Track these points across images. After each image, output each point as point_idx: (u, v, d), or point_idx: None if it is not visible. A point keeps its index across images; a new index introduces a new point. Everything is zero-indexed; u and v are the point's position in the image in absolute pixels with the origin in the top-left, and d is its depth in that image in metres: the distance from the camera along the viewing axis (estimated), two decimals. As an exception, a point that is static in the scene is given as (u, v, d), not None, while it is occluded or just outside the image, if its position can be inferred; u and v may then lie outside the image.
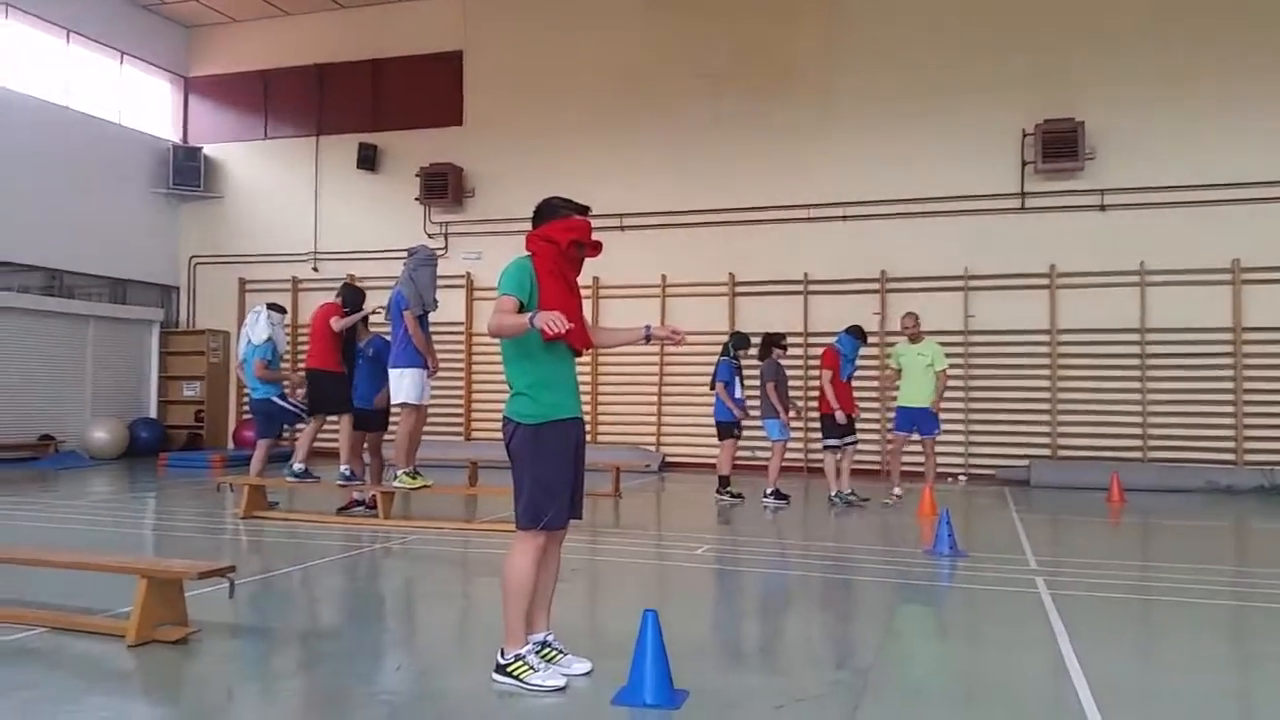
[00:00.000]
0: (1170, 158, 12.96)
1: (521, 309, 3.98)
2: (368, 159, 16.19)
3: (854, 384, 10.62)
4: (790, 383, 11.04)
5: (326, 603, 5.98)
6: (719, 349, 14.46)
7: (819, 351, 14.02)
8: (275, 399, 9.43)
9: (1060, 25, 13.46)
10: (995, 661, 4.77)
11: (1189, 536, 9.05)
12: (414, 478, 8.46)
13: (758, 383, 10.55)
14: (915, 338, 10.50)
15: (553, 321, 3.75)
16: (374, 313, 9.31)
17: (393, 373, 8.38)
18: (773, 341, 10.66)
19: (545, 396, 4.02)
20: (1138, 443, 12.97)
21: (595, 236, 4.23)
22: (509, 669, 3.99)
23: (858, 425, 10.64)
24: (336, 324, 8.95)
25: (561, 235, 4.07)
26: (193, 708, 3.92)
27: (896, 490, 10.60)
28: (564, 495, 4.07)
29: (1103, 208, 13.24)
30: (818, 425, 12.81)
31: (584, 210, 4.19)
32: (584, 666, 4.17)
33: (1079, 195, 13.34)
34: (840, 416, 10.12)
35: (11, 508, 9.63)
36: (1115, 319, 13.09)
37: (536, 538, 4.04)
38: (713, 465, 14.41)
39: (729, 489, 10.72)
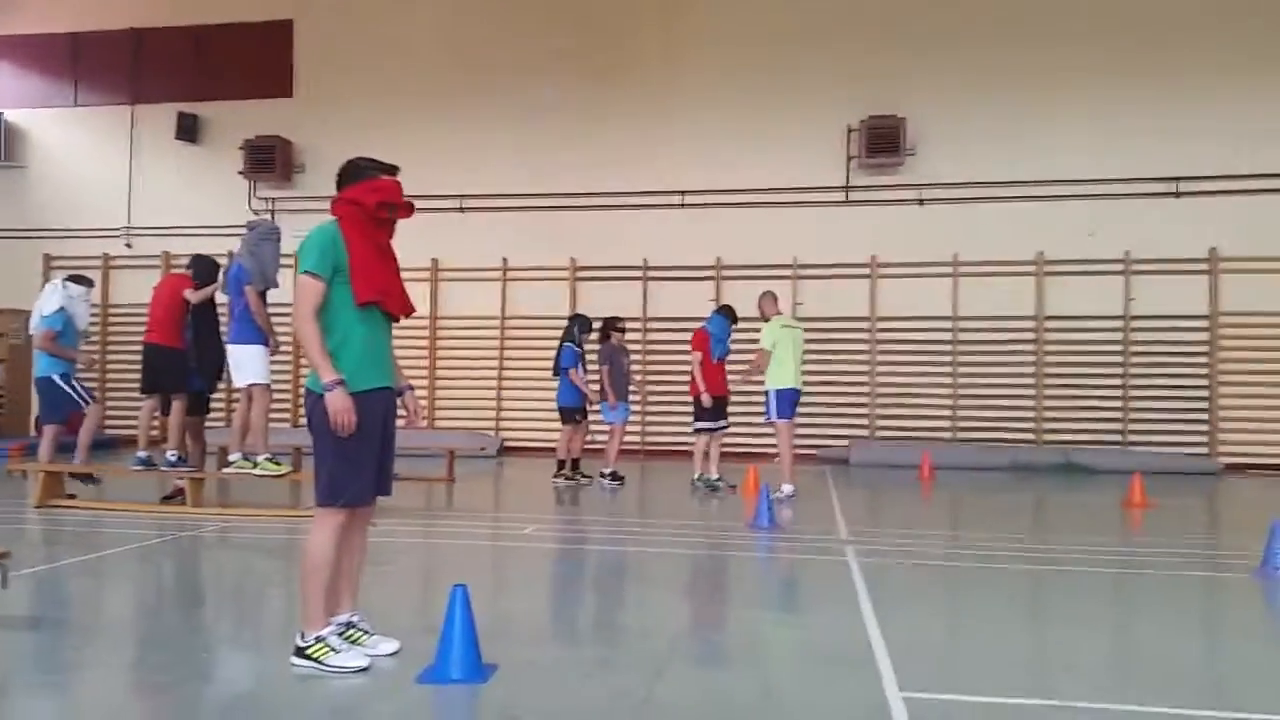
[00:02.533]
0: (983, 155, 13.78)
1: (331, 281, 3.85)
2: (188, 129, 15.33)
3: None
4: (633, 367, 11.16)
5: (122, 592, 5.64)
6: (560, 334, 14.61)
7: (658, 338, 14.34)
8: (56, 378, 8.59)
9: (886, 24, 14.07)
10: (799, 625, 4.98)
11: (991, 509, 9.68)
12: (277, 464, 8.02)
13: (596, 366, 10.63)
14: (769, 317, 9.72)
15: (340, 419, 3.73)
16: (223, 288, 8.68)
17: (234, 350, 7.89)
18: (611, 325, 10.75)
19: (354, 365, 3.87)
20: (948, 424, 13.76)
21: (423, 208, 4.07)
22: (308, 651, 3.85)
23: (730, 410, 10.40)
24: (194, 295, 8.40)
25: (368, 197, 3.93)
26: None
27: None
28: (369, 470, 3.94)
29: (921, 201, 13.95)
30: (657, 410, 13.07)
31: (392, 170, 4.05)
32: (391, 647, 4.08)
33: (900, 189, 14.01)
34: (706, 400, 9.93)
35: None
36: (930, 307, 13.83)
37: (337, 515, 3.90)
38: (552, 448, 14.47)
39: (579, 471, 10.70)
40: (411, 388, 4.30)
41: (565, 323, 14.38)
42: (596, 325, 11.01)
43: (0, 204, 16.12)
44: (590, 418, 11.04)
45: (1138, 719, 3.46)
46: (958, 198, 13.86)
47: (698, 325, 10.47)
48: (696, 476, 10.18)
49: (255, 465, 8.01)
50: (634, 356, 12.73)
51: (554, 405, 14.48)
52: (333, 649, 3.85)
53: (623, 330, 10.89)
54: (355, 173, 4.02)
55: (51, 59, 16.20)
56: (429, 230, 14.20)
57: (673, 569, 6.46)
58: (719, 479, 10.11)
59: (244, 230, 8.22)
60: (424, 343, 14.73)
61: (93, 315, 10.05)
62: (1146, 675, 4.20)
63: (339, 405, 3.74)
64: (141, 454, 8.55)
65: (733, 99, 14.35)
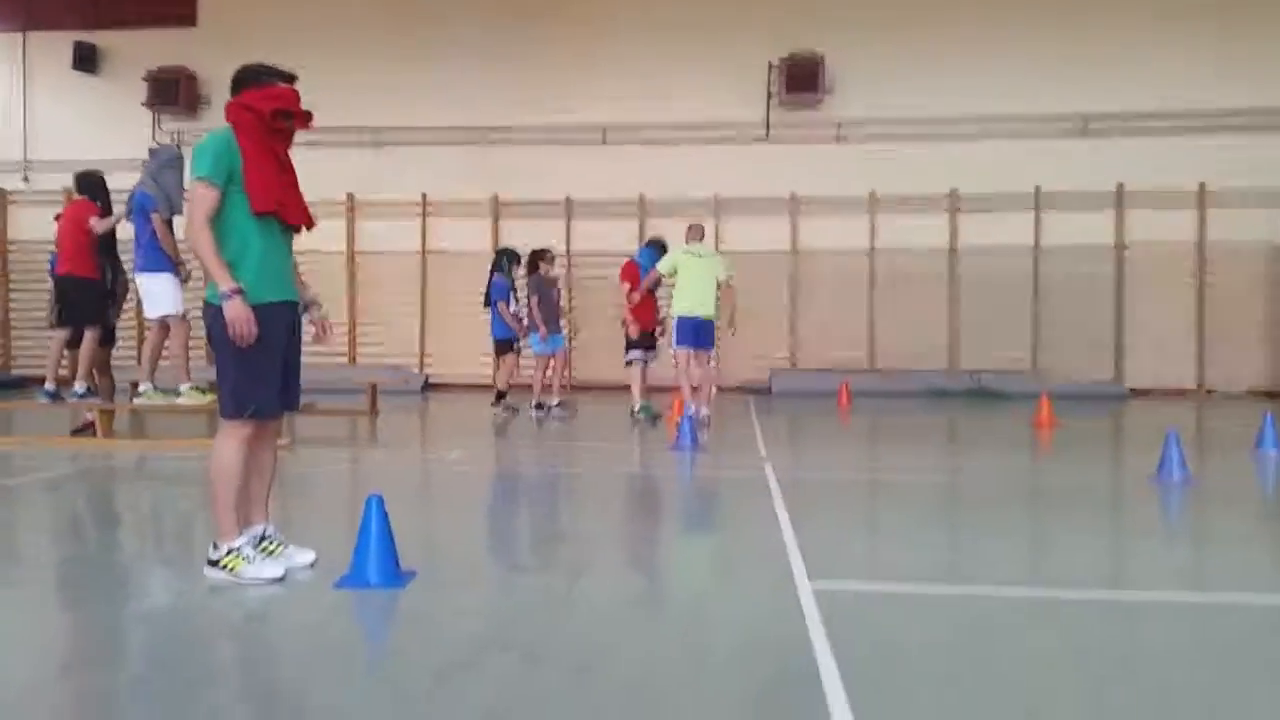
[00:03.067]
0: (901, 93, 13.91)
1: (226, 190, 3.73)
2: (86, 59, 14.61)
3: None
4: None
5: (32, 518, 5.47)
6: (484, 267, 14.44)
7: (583, 275, 14.28)
8: None
9: (806, -42, 14.02)
10: (716, 535, 5.09)
11: (904, 430, 9.96)
12: (202, 392, 7.76)
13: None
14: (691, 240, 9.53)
15: (239, 329, 3.63)
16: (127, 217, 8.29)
17: (144, 279, 7.60)
18: (539, 257, 10.64)
19: (252, 277, 3.75)
20: (866, 354, 14.06)
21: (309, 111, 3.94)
22: (221, 562, 3.80)
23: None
24: (99, 225, 8.06)
25: (264, 104, 3.79)
26: None
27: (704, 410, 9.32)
28: (272, 383, 3.85)
29: (839, 139, 14.05)
30: (585, 344, 12.90)
31: (290, 78, 3.92)
32: (307, 558, 4.04)
33: (818, 127, 14.08)
34: (633, 330, 9.94)
35: None
36: (848, 241, 14.02)
37: (242, 428, 3.82)
38: (478, 385, 14.40)
39: (505, 402, 10.53)
40: (319, 304, 4.21)
41: (490, 256, 14.39)
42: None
43: (-118, 136, 15.21)
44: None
45: (1040, 604, 3.64)
46: (875, 134, 13.99)
47: (623, 260, 10.49)
48: (637, 407, 9.93)
49: (178, 395, 7.80)
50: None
51: (478, 341, 14.53)
52: (246, 559, 3.81)
53: (551, 261, 10.77)
54: (251, 77, 3.88)
55: (-68, -19, 15.24)
56: (344, 165, 13.87)
57: (594, 487, 6.52)
58: (645, 405, 9.99)
59: (146, 158, 7.92)
60: (343, 277, 14.43)
61: None
62: (1049, 565, 4.41)
63: (237, 314, 3.64)
64: (49, 387, 8.26)
65: (654, 35, 14.20)
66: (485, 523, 5.61)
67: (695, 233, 9.65)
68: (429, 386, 14.42)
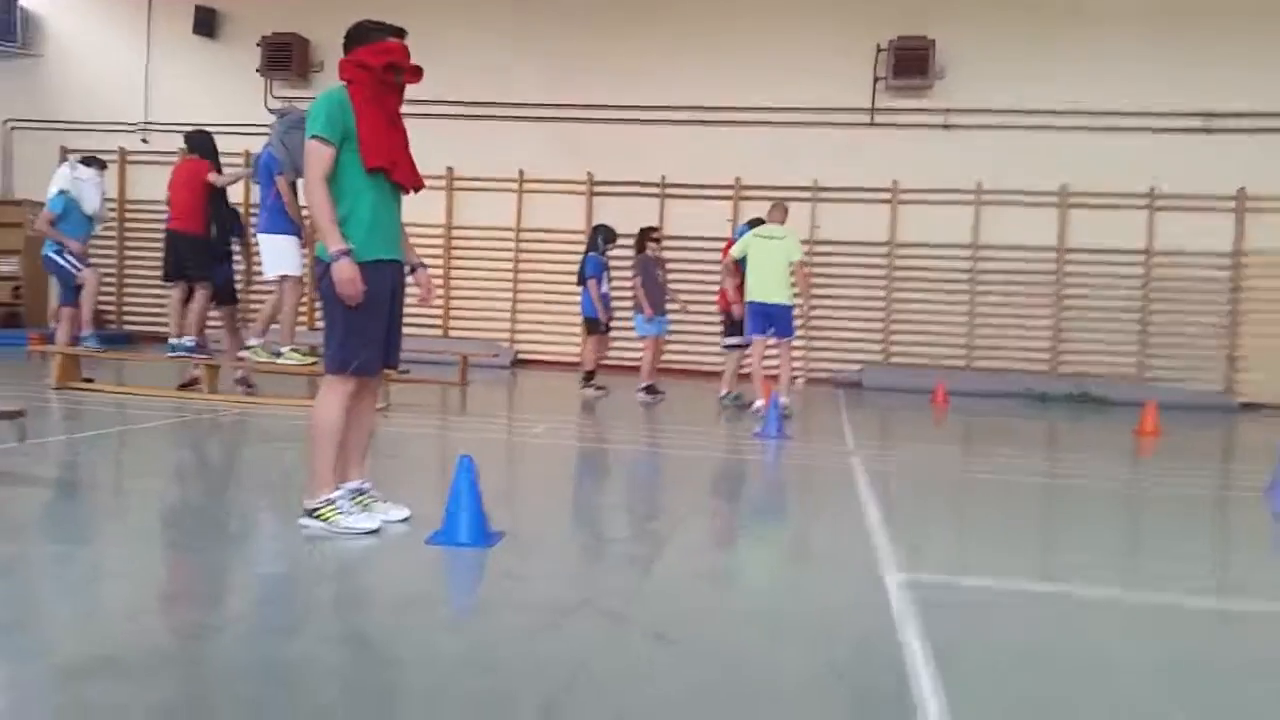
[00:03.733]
0: (1012, 82, 13.45)
1: (340, 148, 3.81)
2: (205, 24, 15.07)
3: None
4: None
5: (134, 463, 5.72)
6: (575, 247, 14.54)
7: (676, 257, 14.21)
8: (51, 254, 8.64)
9: (921, -59, 13.66)
10: (799, 520, 5.02)
11: (1001, 430, 9.68)
12: (304, 354, 7.99)
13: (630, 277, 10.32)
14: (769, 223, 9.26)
15: (346, 289, 3.72)
16: (252, 177, 8.53)
17: (265, 240, 7.77)
18: (646, 235, 10.31)
19: (361, 235, 3.84)
20: (964, 351, 13.71)
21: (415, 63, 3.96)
22: (318, 513, 3.91)
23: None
24: (218, 179, 8.28)
25: (375, 59, 3.85)
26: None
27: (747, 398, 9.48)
28: (377, 341, 3.94)
29: (947, 126, 13.68)
30: (673, 328, 12.44)
31: (400, 33, 3.97)
32: (401, 513, 4.13)
33: (926, 114, 13.72)
34: (737, 312, 9.52)
35: None
36: (951, 235, 13.66)
37: (346, 383, 3.92)
38: (566, 362, 14.53)
39: (594, 383, 10.50)
40: (424, 265, 4.28)
41: (583, 235, 14.45)
42: (626, 236, 10.74)
43: (18, 94, 15.97)
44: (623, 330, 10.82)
45: (1137, 608, 3.50)
46: (985, 124, 13.57)
47: (716, 242, 10.32)
48: (725, 394, 9.69)
49: (279, 356, 8.01)
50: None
51: (567, 318, 14.62)
52: (341, 511, 3.91)
53: (658, 240, 10.40)
54: (361, 35, 3.94)
55: (69, -55, 15.92)
56: (445, 137, 14.05)
57: (679, 467, 6.51)
58: (738, 395, 9.73)
59: (272, 119, 8.07)
60: (439, 250, 14.66)
61: (109, 209, 9.89)
62: (1148, 571, 4.23)
63: (345, 275, 3.73)
64: (174, 340, 8.50)
65: (758, 15, 14.01)
66: (570, 492, 5.65)
67: (774, 213, 9.27)
68: (518, 362, 14.58)
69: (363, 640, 2.80)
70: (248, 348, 8.17)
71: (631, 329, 10.73)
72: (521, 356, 14.65)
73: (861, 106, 13.85)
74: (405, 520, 4.09)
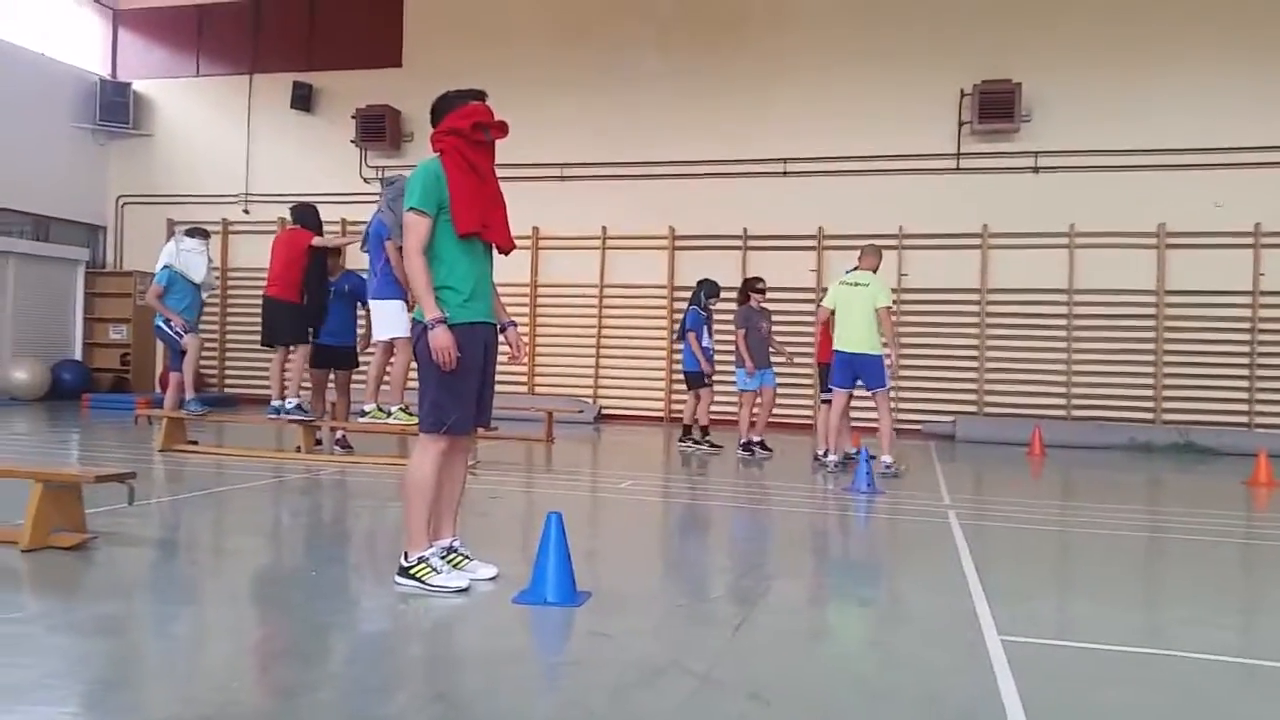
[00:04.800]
0: (1102, 122, 13.17)
1: (436, 217, 3.93)
2: (303, 99, 15.79)
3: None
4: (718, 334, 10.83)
5: (235, 522, 5.89)
6: (657, 301, 14.64)
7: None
8: (161, 325, 9.12)
9: (1001, -13, 13.57)
10: (894, 577, 4.87)
11: (1103, 482, 9.29)
12: (410, 415, 8.14)
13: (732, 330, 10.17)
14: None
15: (442, 355, 3.82)
16: (361, 247, 8.48)
17: (376, 305, 7.98)
18: (750, 287, 10.15)
19: (456, 299, 3.95)
20: (1062, 401, 13.28)
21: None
22: (411, 571, 3.96)
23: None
24: (324, 241, 8.63)
25: (462, 122, 4.00)
26: (89, 608, 3.83)
27: (833, 456, 8.83)
28: (469, 401, 4.01)
29: (1036, 169, 13.44)
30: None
31: (480, 95, 4.12)
32: (490, 571, 4.16)
33: (1013, 156, 13.51)
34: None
35: (-81, 439, 9.33)
36: (1044, 279, 13.33)
37: (438, 442, 3.99)
38: (649, 417, 14.54)
39: (708, 439, 10.37)
40: (514, 324, 4.35)
41: (665, 290, 14.54)
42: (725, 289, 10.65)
43: (130, 171, 16.92)
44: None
45: (1252, 670, 3.29)
46: (1075, 165, 13.29)
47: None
48: (823, 451, 9.00)
49: (389, 415, 8.18)
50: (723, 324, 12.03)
51: (650, 373, 14.67)
52: (434, 569, 3.95)
53: (763, 291, 10.16)
54: (446, 104, 4.10)
55: (177, 31, 16.89)
56: (531, 199, 14.35)
57: (769, 522, 6.41)
58: (858, 451, 9.21)
59: (380, 188, 8.31)
60: (525, 309, 14.90)
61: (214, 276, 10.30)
62: (1264, 631, 3.98)
63: (441, 343, 3.82)
64: (275, 403, 8.75)
65: (840, 63, 14.05)
66: (658, 550, 5.60)
67: (864, 259, 8.82)
68: (601, 417, 14.64)
69: (454, 700, 2.80)
70: (364, 413, 8.30)
71: (733, 383, 10.50)
72: (605, 412, 14.71)
73: (947, 152, 13.71)
74: (493, 579, 4.11)
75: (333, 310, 8.88)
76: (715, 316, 10.63)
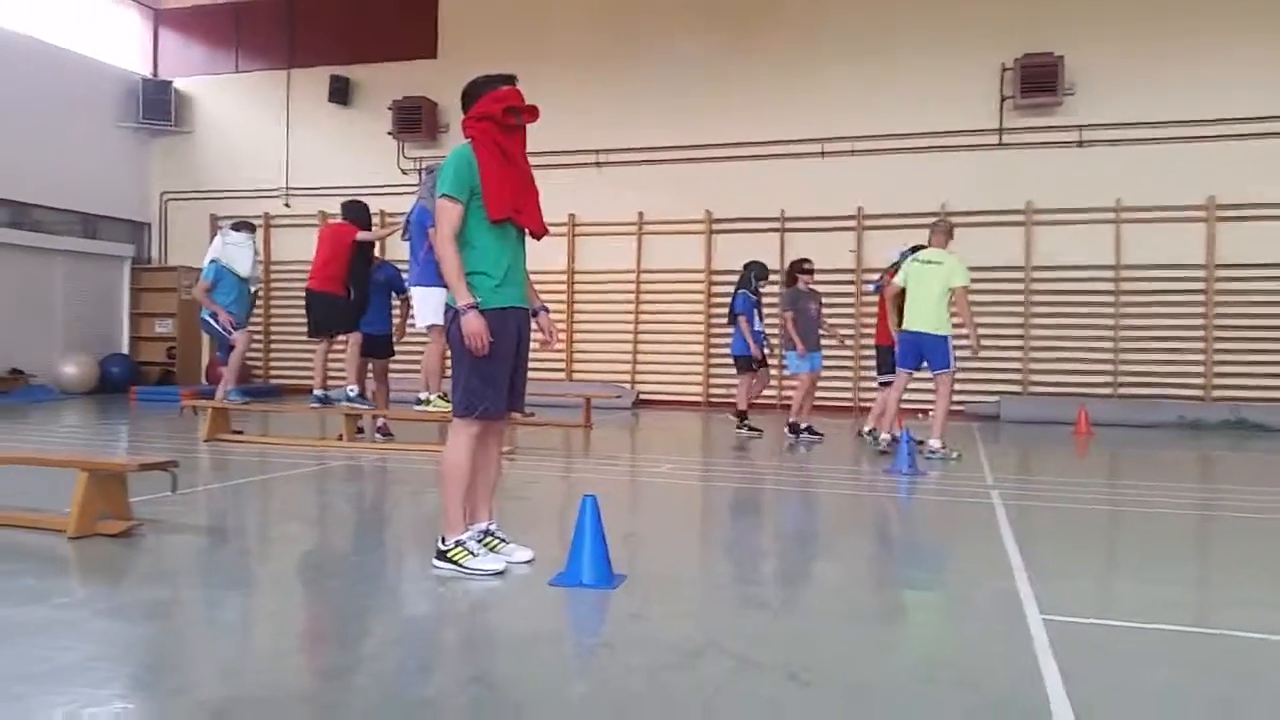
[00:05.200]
0: (1149, 93, 12.86)
1: (468, 204, 3.92)
2: (340, 92, 15.89)
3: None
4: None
5: (278, 508, 5.96)
6: (694, 286, 14.57)
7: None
8: (207, 316, 9.27)
9: (1042, -42, 13.28)
10: (936, 558, 4.81)
11: (1150, 462, 9.10)
12: (446, 401, 8.19)
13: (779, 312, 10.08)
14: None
15: (474, 341, 3.82)
16: (402, 235, 8.54)
17: (419, 292, 7.91)
18: (797, 268, 9.91)
19: (488, 284, 3.94)
20: (1109, 379, 13.03)
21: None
22: (448, 554, 3.98)
23: None
24: (367, 235, 8.72)
25: (493, 107, 3.97)
26: (135, 593, 3.89)
27: (885, 434, 8.71)
28: (502, 386, 4.00)
29: (1080, 143, 13.15)
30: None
31: (511, 79, 4.08)
32: (526, 555, 4.16)
33: (1057, 131, 13.24)
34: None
35: (-25, 432, 9.56)
36: (1090, 256, 13.06)
37: (471, 427, 4.00)
38: (687, 402, 14.51)
39: (747, 423, 10.26)
40: (547, 309, 4.34)
41: (702, 274, 14.47)
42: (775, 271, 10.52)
43: (172, 168, 17.18)
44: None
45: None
46: (1121, 139, 12.99)
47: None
48: (869, 430, 9.05)
49: (425, 403, 8.23)
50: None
51: (687, 358, 14.63)
52: (471, 552, 3.96)
53: (810, 272, 9.91)
54: (476, 90, 4.08)
55: (216, 28, 17.09)
56: (567, 186, 14.35)
57: (809, 504, 6.36)
58: (872, 430, 9.08)
59: (422, 175, 8.33)
60: (562, 296, 14.91)
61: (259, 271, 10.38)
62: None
63: (474, 328, 3.82)
64: (318, 392, 8.87)
65: (878, 41, 13.84)
66: (695, 533, 5.58)
67: (936, 237, 8.54)
68: (639, 403, 14.63)
69: (491, 681, 2.80)
70: (422, 401, 8.35)
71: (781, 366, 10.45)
72: (643, 397, 14.70)
73: (989, 128, 13.46)
74: (529, 562, 4.12)
75: (372, 300, 8.95)
76: (763, 299, 10.46)
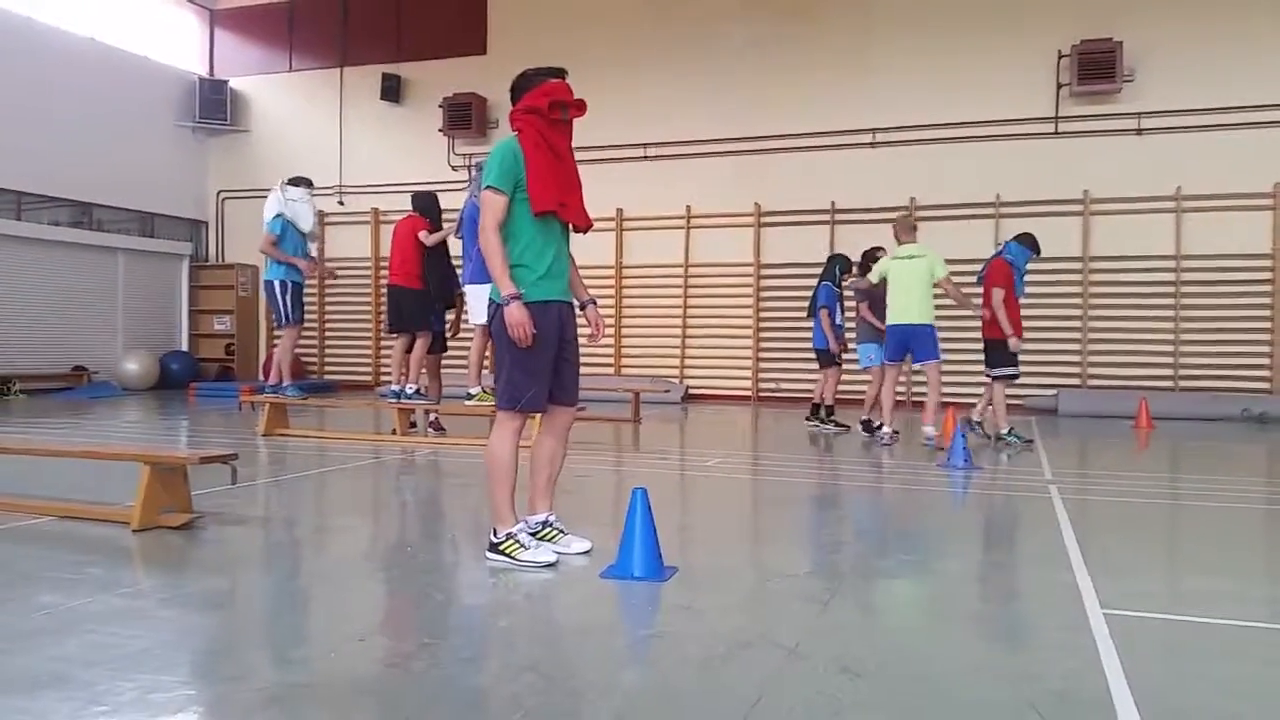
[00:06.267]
0: (1209, 79, 12.53)
1: (513, 196, 3.94)
2: (391, 90, 16.09)
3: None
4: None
5: (335, 501, 6.05)
6: (743, 279, 14.50)
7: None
8: (276, 283, 9.00)
9: (1099, -59, 12.99)
10: (993, 552, 4.74)
11: (1213, 455, 8.88)
12: (490, 394, 8.22)
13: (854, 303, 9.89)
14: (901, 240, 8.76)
15: (516, 331, 3.83)
16: (455, 233, 8.70)
17: (472, 290, 7.91)
18: (870, 257, 9.64)
19: (530, 276, 3.96)
20: (1169, 372, 12.73)
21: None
22: (500, 547, 4.01)
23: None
24: (428, 239, 8.72)
25: (540, 100, 3.98)
26: (197, 583, 3.97)
27: (887, 429, 8.89)
28: (544, 378, 4.01)
29: (1139, 131, 12.87)
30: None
31: (560, 73, 4.09)
32: (583, 546, 4.18)
33: (1115, 119, 12.97)
34: (1014, 344, 8.64)
35: (47, 431, 9.84)
36: (1150, 246, 12.78)
37: (514, 419, 4.02)
38: (736, 395, 14.46)
39: (834, 419, 10.15)
40: (594, 301, 4.34)
41: (751, 267, 14.40)
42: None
43: (228, 166, 17.54)
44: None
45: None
46: (1181, 126, 12.68)
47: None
48: (1005, 432, 8.80)
49: (471, 398, 8.28)
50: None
51: (736, 351, 14.57)
52: (522, 545, 3.98)
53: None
54: (525, 83, 4.09)
55: (269, 28, 17.40)
56: (615, 180, 14.38)
57: (862, 498, 6.30)
58: (1010, 430, 8.86)
59: (472, 172, 8.34)
60: (610, 290, 14.94)
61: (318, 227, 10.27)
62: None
63: (516, 319, 3.84)
64: (394, 388, 8.99)
65: (930, 29, 13.66)
66: (746, 526, 5.56)
67: (904, 231, 8.75)
68: (689, 397, 14.61)
69: (543, 670, 2.81)
70: (469, 396, 8.40)
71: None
72: (692, 391, 14.68)
73: (1045, 116, 13.22)
74: (587, 553, 4.13)
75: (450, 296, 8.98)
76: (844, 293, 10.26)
